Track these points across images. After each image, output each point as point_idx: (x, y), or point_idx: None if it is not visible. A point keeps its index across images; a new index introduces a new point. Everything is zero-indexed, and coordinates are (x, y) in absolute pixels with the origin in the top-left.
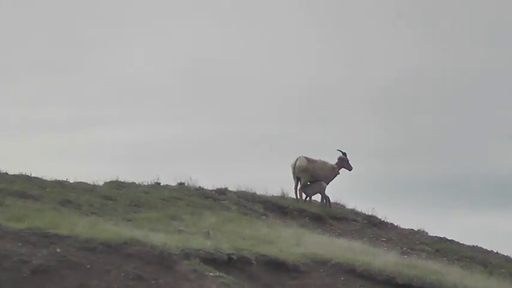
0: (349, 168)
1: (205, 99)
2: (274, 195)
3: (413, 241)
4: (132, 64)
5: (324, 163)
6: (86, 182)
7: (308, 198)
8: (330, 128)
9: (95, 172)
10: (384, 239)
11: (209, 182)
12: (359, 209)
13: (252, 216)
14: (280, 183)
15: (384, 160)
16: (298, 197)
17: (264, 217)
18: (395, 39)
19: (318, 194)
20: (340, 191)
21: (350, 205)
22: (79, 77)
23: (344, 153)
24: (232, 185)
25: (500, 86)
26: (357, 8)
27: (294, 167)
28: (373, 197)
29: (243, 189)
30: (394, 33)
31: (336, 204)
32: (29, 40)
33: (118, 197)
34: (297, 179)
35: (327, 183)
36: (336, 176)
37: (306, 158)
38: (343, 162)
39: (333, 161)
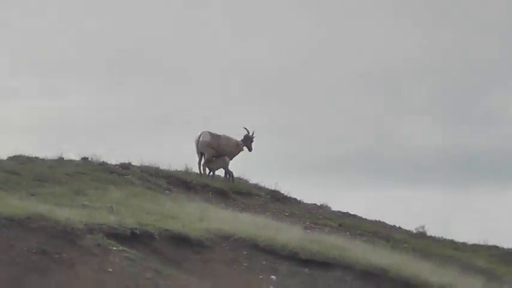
0: (250, 149)
1: (120, 74)
2: (178, 170)
3: (317, 216)
4: (48, 36)
5: (229, 139)
6: None
7: (211, 173)
8: (240, 106)
9: None
10: (287, 214)
11: (113, 157)
12: (262, 184)
13: (156, 191)
14: (184, 158)
15: (290, 136)
16: (202, 172)
17: (167, 192)
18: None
19: (222, 169)
20: (243, 166)
21: (253, 180)
22: None
23: (250, 132)
24: (136, 159)
25: (409, 63)
26: None
27: (198, 142)
28: (277, 172)
29: (147, 164)
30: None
31: (240, 179)
32: None
33: (22, 171)
34: (201, 154)
35: (231, 159)
36: (239, 152)
37: (209, 133)
38: (248, 140)
39: (238, 137)
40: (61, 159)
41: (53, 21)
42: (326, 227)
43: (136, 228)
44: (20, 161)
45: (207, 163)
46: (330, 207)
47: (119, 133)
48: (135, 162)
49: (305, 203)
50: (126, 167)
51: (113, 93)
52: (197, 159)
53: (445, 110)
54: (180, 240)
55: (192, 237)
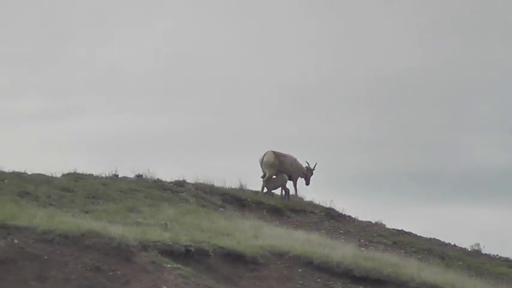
0: (308, 182)
1: (177, 92)
2: (232, 187)
3: (371, 233)
4: (106, 55)
5: (294, 160)
6: (43, 173)
7: (269, 192)
8: (303, 122)
9: (54, 163)
10: (342, 232)
11: (167, 174)
12: (317, 201)
13: (210, 208)
14: (239, 175)
15: (345, 153)
16: (265, 190)
17: (222, 209)
18: (388, 36)
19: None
20: (298, 183)
21: (308, 197)
22: (48, 68)
23: (312, 165)
24: (191, 177)
25: (475, 81)
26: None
27: (262, 162)
28: (332, 189)
29: (201, 181)
30: (387, 31)
31: (294, 196)
32: None
33: (76, 188)
34: (265, 172)
35: (295, 180)
36: (301, 176)
37: (274, 152)
38: (309, 173)
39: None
40: (115, 176)
41: (117, 39)
42: (381, 245)
43: (190, 245)
44: (74, 178)
45: (267, 182)
46: (384, 225)
47: (174, 151)
48: (190, 179)
49: (359, 221)
50: (180, 184)
51: (169, 111)
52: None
53: (508, 128)
54: (235, 258)
55: (246, 255)
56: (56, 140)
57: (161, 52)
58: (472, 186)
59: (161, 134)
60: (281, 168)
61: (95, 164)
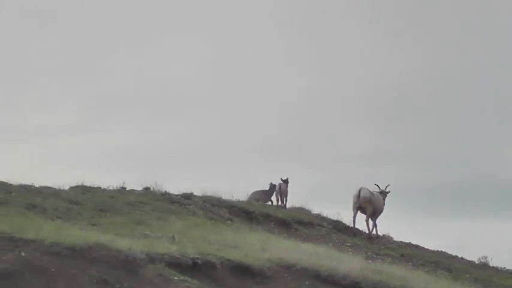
0: (383, 204)
1: (183, 108)
2: (240, 200)
3: (379, 246)
4: (118, 71)
5: (379, 196)
6: (51, 186)
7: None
8: (308, 134)
9: (62, 177)
10: (349, 244)
11: (175, 187)
12: (325, 214)
13: (218, 220)
14: (246, 188)
15: (356, 165)
16: (354, 225)
17: (229, 222)
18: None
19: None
20: (306, 195)
21: (316, 210)
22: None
23: (386, 188)
24: (198, 190)
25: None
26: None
27: (358, 197)
28: (339, 202)
29: (209, 194)
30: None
31: (302, 209)
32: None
33: (83, 201)
34: (357, 209)
35: (378, 216)
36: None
37: (368, 189)
38: (384, 196)
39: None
40: (123, 189)
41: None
42: (388, 257)
43: (197, 257)
44: (81, 190)
45: (369, 217)
46: (391, 238)
47: (181, 164)
48: (197, 192)
49: (367, 233)
50: (187, 197)
51: (176, 125)
52: (352, 213)
53: None
54: (242, 270)
55: (254, 267)
56: (64, 153)
57: (177, 63)
58: (477, 198)
59: (168, 148)
60: (373, 205)
61: (103, 177)
